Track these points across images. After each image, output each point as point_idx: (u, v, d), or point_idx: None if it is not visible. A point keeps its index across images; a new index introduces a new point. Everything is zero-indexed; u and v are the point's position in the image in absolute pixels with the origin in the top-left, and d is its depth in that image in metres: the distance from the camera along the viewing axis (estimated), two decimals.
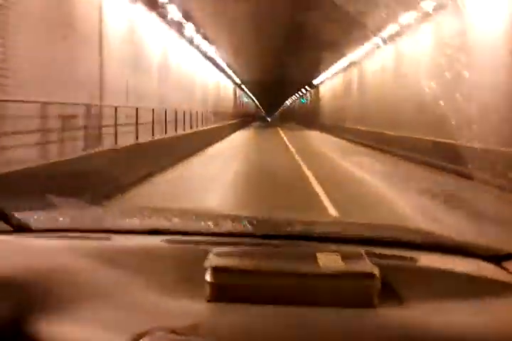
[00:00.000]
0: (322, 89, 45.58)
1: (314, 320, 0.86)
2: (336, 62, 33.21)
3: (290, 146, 21.17)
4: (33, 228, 1.21)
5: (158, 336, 0.77)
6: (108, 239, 1.18)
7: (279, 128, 42.29)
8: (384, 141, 19.57)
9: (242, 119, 49.01)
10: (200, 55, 25.42)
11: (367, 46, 23.44)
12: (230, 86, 45.19)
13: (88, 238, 1.18)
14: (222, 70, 36.55)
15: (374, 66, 24.39)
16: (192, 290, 0.94)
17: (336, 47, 29.21)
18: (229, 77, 41.91)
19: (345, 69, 32.11)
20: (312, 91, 52.93)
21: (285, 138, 28.17)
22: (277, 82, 51.29)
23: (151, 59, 15.23)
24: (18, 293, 0.87)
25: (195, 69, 23.86)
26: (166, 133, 14.66)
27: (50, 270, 0.96)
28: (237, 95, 52.94)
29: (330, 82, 40.31)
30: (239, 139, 27.17)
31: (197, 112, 21.39)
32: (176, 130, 16.23)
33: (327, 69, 38.10)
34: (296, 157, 15.70)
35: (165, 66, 17.02)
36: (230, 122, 36.49)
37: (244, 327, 0.85)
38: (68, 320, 0.84)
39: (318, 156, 17.23)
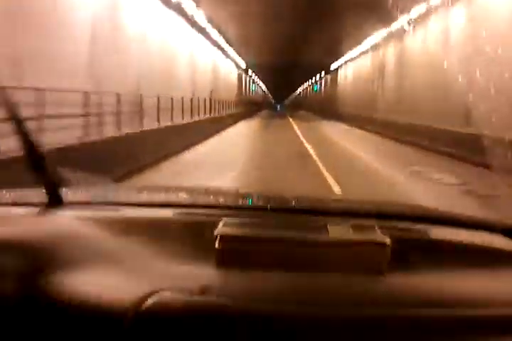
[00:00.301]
0: (342, 73, 39.15)
1: (323, 285, 0.88)
2: (362, 41, 26.92)
3: (307, 145, 14.84)
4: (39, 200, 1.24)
5: (165, 295, 0.79)
6: (121, 211, 1.21)
7: (290, 119, 35.56)
8: (438, 139, 13.93)
9: (248, 108, 42.39)
10: (187, 24, 19.09)
11: (413, 14, 17.22)
12: (234, 70, 38.65)
13: (101, 210, 1.22)
14: (223, 51, 30.09)
15: (420, 40, 18.14)
16: (201, 257, 0.94)
17: (362, 24, 23.18)
18: (232, 59, 35.40)
19: (376, 46, 25.61)
20: (329, 76, 46.41)
21: (299, 131, 21.75)
22: (289, 67, 44.80)
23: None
24: (29, 255, 0.89)
25: (177, 42, 17.49)
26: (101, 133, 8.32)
27: (63, 236, 0.99)
28: (243, 81, 46.37)
29: (353, 64, 33.81)
30: (239, 134, 20.68)
31: (172, 99, 15.01)
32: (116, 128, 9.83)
33: (350, 49, 31.74)
34: (324, 171, 9.37)
35: (113, 26, 10.69)
36: (231, 112, 30.09)
37: (252, 289, 0.85)
38: (76, 281, 0.85)
39: (354, 166, 10.82)
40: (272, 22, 25.58)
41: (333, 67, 42.24)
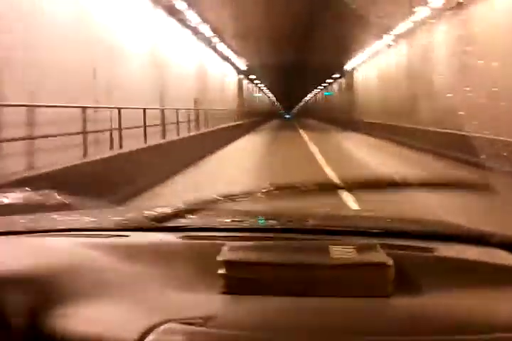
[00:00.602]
0: (360, 75, 33.12)
1: (327, 310, 0.87)
2: (387, 31, 20.99)
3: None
4: (55, 228, 1.28)
5: (170, 327, 0.78)
6: (126, 236, 1.20)
7: (302, 131, 29.45)
8: None
9: (251, 120, 36.33)
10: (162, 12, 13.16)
11: None
12: (232, 75, 32.72)
13: (107, 236, 1.20)
14: (215, 50, 24.18)
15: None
16: (205, 283, 0.94)
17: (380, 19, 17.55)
18: (228, 61, 29.48)
19: (408, 35, 19.48)
20: (344, 79, 40.35)
21: (315, 149, 15.59)
22: (297, 69, 38.90)
23: None
24: (37, 289, 0.89)
25: (134, 31, 11.53)
26: None
27: (68, 267, 0.98)
28: (244, 88, 40.35)
29: (376, 61, 27.72)
30: (235, 158, 14.71)
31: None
32: None
33: (368, 44, 25.78)
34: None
35: None
36: (228, 125, 24.05)
37: (256, 317, 0.85)
38: (83, 314, 0.85)
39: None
40: (276, 13, 19.88)
41: (348, 67, 36.25)
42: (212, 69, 23.89)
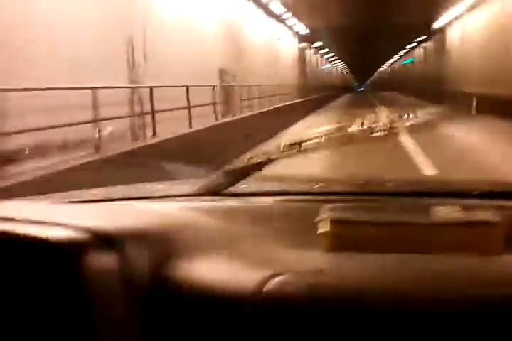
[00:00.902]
0: (453, 35, 26.24)
1: (436, 266, 0.86)
2: None
3: None
4: (153, 195, 1.37)
5: (285, 278, 0.81)
6: (223, 200, 1.28)
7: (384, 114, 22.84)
8: None
9: (316, 96, 29.96)
10: None
11: None
12: (289, 40, 26.52)
13: (209, 200, 1.28)
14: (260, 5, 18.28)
15: None
16: (307, 243, 0.96)
17: None
18: (278, 18, 23.40)
19: None
20: (431, 42, 33.16)
21: (420, 158, 9.42)
22: (372, 32, 32.12)
23: None
24: (155, 245, 0.94)
25: None
26: None
27: (176, 227, 1.03)
28: (307, 57, 33.96)
29: (476, 16, 20.80)
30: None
31: None
32: None
33: None
34: None
35: None
36: (281, 105, 18.12)
37: (366, 272, 0.85)
38: (201, 266, 0.89)
39: None
40: None
41: (437, 26, 29.16)
42: (256, 32, 17.96)
